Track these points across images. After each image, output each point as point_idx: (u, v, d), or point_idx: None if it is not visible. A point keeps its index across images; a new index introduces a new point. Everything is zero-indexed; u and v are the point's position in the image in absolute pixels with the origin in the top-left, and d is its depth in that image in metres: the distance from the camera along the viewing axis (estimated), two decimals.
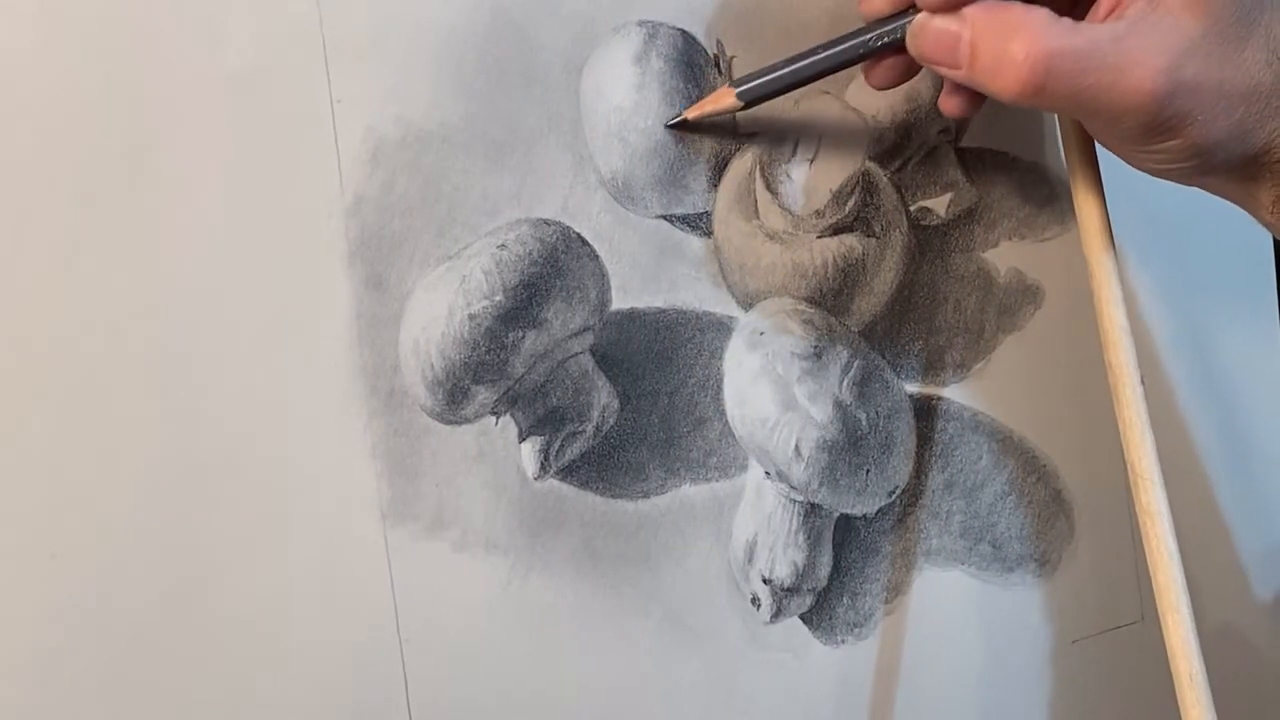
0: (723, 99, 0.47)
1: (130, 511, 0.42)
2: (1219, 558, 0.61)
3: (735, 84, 0.47)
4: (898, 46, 0.45)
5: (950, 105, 0.49)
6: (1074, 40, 0.41)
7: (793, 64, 0.46)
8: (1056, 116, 0.52)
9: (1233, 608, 0.61)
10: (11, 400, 0.41)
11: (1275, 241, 0.61)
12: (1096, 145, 0.48)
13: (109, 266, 0.42)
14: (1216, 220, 0.56)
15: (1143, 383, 0.48)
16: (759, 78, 0.47)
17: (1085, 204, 0.49)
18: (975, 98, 0.47)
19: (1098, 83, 0.41)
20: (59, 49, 0.41)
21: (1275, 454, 0.62)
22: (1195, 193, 0.47)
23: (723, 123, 0.50)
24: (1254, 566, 0.62)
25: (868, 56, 0.46)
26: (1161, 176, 0.46)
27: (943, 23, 0.44)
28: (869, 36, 0.46)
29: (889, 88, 0.48)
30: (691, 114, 0.48)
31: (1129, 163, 0.46)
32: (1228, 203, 0.47)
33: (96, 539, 0.42)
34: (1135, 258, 0.58)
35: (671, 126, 0.49)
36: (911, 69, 0.47)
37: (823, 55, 0.46)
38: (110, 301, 0.42)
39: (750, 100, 0.47)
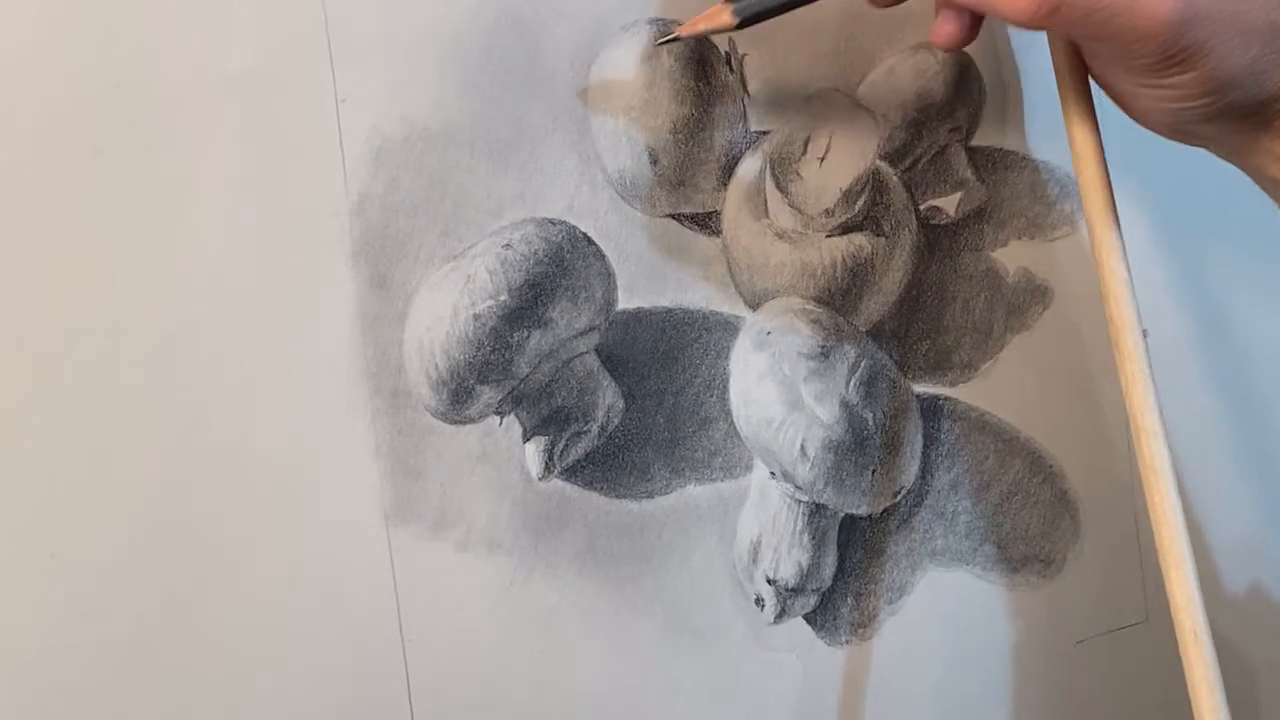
0: (718, 16, 0.45)
1: (132, 512, 0.42)
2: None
3: (730, 0, 0.45)
4: None
5: (942, 35, 0.46)
6: None
7: None
8: (1054, 75, 0.50)
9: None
10: (13, 400, 0.41)
11: None
12: (1093, 98, 0.46)
13: (112, 266, 0.41)
14: (1216, 221, 0.56)
15: (1145, 335, 0.47)
16: None
17: (1084, 157, 0.47)
18: (969, 28, 0.45)
19: (1113, 4, 0.40)
20: (64, 49, 0.40)
21: (1241, 447, 0.62)
22: (1204, 172, 0.47)
23: (732, 121, 0.49)
24: (1224, 560, 0.62)
25: None
26: (1172, 119, 0.44)
27: None
28: None
29: (953, 48, 0.46)
30: (684, 31, 0.47)
31: (1134, 109, 0.45)
32: (1235, 193, 0.47)
33: (97, 540, 0.42)
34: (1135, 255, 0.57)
35: (663, 43, 0.47)
36: (974, 25, 0.45)
37: None
38: (113, 301, 0.41)
39: (745, 18, 0.45)
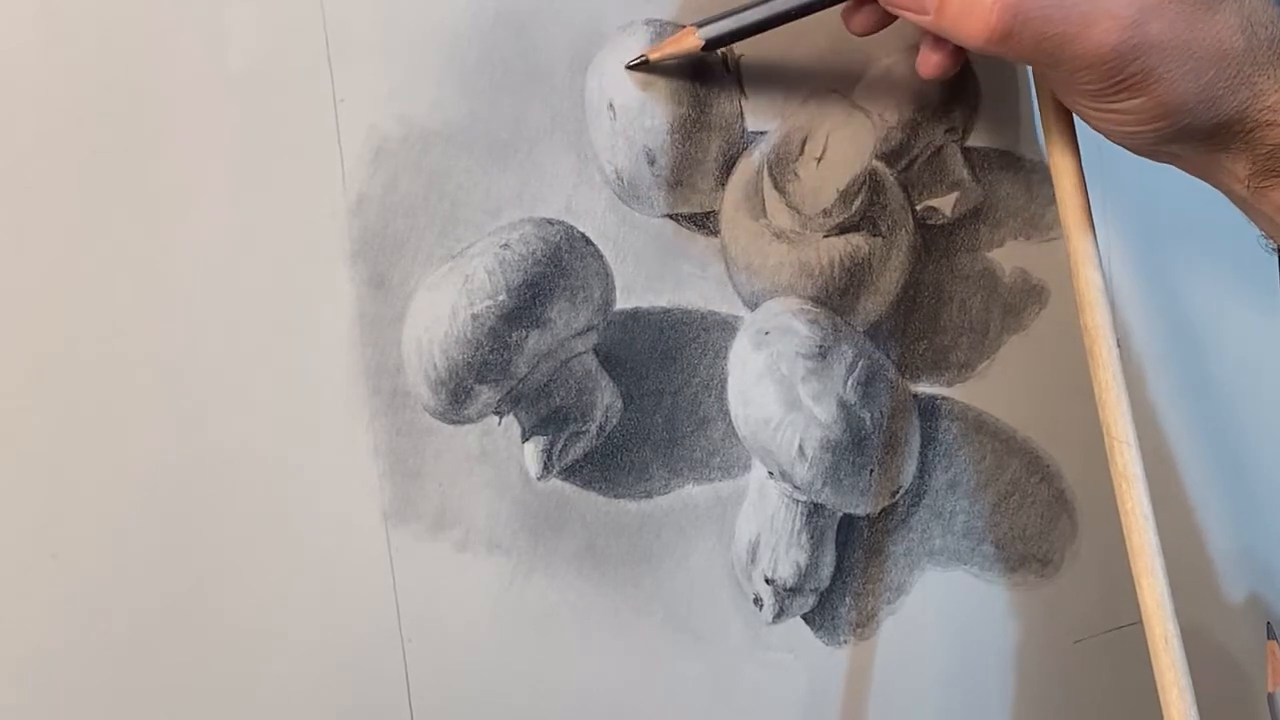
0: (684, 40, 0.46)
1: (132, 512, 0.42)
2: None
3: (698, 25, 0.46)
4: None
5: (927, 66, 0.48)
6: None
7: (757, 5, 0.46)
8: (1032, 81, 0.51)
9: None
10: (14, 400, 0.40)
11: None
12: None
13: (111, 267, 0.41)
14: (1209, 221, 0.56)
15: (1119, 345, 0.47)
16: (722, 19, 0.46)
17: (1061, 166, 0.48)
18: (952, 57, 0.47)
19: (1063, 33, 0.41)
20: (61, 49, 0.40)
21: (1247, 456, 0.62)
22: (1187, 180, 0.47)
23: (729, 121, 0.49)
24: (1225, 568, 0.62)
25: (834, 2, 0.46)
26: (1130, 142, 0.45)
27: None
28: None
29: (868, 34, 0.48)
30: (653, 55, 0.47)
31: (1097, 127, 0.45)
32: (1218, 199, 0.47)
33: (98, 539, 0.42)
34: (1121, 264, 0.58)
35: (632, 67, 0.47)
36: (888, 16, 0.46)
37: None
38: (112, 301, 0.41)
39: (712, 40, 0.46)
